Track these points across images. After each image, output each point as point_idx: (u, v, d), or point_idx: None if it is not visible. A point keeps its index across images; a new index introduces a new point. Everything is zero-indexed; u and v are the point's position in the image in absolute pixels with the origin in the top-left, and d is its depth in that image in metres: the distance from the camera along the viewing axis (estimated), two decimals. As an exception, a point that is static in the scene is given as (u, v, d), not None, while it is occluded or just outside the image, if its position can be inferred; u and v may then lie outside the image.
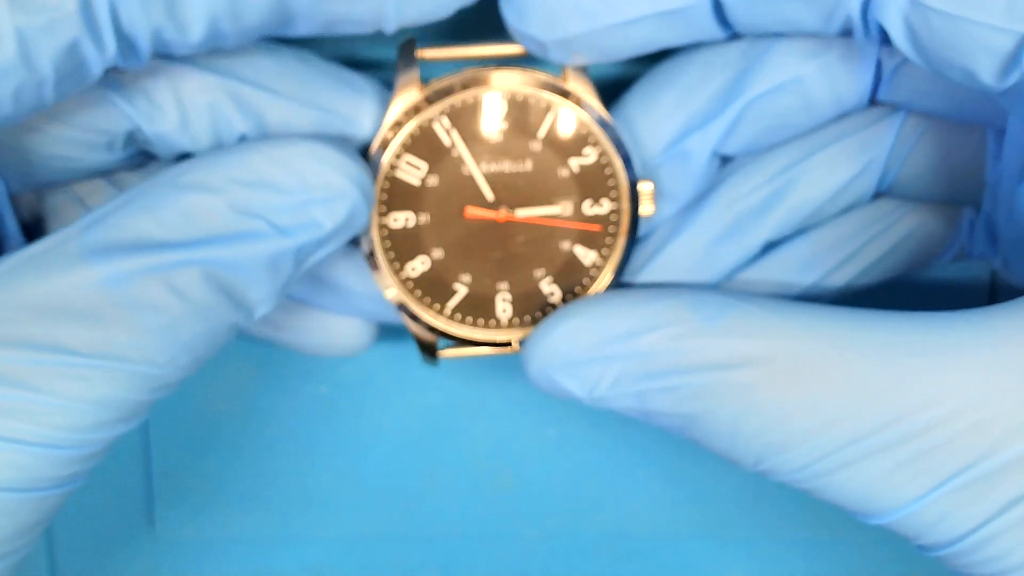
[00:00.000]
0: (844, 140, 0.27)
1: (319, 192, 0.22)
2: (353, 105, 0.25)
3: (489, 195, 0.25)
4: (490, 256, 0.25)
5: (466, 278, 0.25)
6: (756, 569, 0.36)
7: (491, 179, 0.25)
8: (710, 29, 0.24)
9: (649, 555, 0.35)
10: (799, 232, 0.28)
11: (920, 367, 0.21)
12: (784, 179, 0.27)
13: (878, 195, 0.28)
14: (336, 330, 0.28)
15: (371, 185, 0.23)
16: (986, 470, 0.21)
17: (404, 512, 0.35)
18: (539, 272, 0.25)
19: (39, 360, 0.20)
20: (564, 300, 0.26)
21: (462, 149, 0.24)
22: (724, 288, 0.25)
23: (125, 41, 0.21)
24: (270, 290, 0.23)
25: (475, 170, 0.25)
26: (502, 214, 0.25)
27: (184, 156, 0.25)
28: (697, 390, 0.22)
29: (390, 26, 0.22)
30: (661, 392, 0.23)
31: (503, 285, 0.25)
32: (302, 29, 0.22)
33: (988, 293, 0.32)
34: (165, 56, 0.23)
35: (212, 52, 0.23)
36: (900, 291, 0.29)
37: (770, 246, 0.28)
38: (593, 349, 0.23)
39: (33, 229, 0.27)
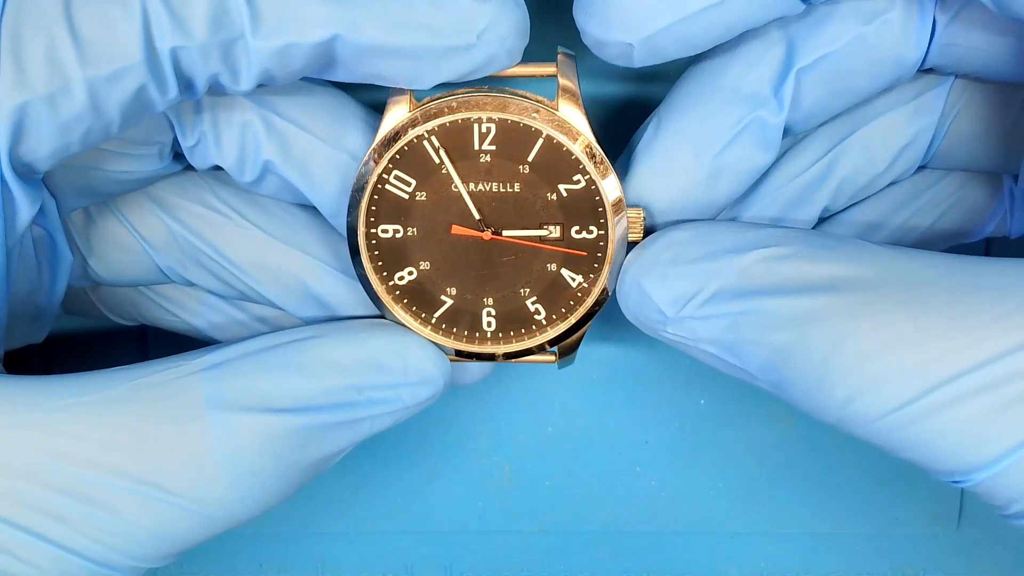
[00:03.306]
0: (896, 110, 0.26)
1: (415, 375, 0.24)
2: None
3: (475, 214, 0.25)
4: (475, 273, 0.25)
5: (452, 291, 0.25)
6: (753, 565, 0.36)
7: (478, 199, 0.25)
8: (792, 2, 0.23)
9: (647, 551, 0.35)
10: (850, 205, 0.27)
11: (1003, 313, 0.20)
12: (838, 151, 0.26)
13: (922, 166, 0.27)
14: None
15: (451, 373, 0.25)
16: None
17: (405, 508, 0.35)
18: (525, 291, 0.25)
19: (127, 488, 0.21)
20: (549, 319, 0.26)
21: (450, 168, 0.24)
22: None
23: (185, 83, 0.22)
24: (343, 450, 0.24)
25: (462, 189, 0.25)
26: (487, 234, 0.25)
27: (215, 168, 0.26)
28: (798, 314, 0.21)
29: (425, 84, 0.23)
30: (757, 315, 0.22)
31: (488, 301, 0.25)
32: (341, 77, 0.23)
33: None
34: (217, 94, 0.24)
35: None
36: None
37: (820, 220, 0.27)
38: (695, 262, 0.23)
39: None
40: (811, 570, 0.36)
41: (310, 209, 0.27)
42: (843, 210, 0.28)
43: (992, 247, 0.32)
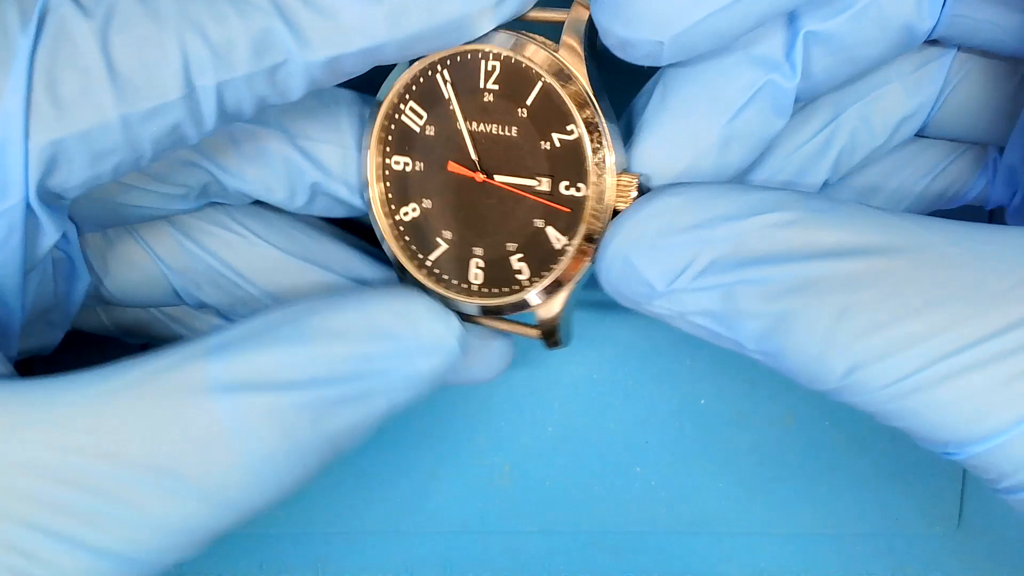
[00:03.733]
0: (897, 82, 0.26)
1: (427, 341, 0.23)
2: None
3: (472, 154, 0.24)
4: (466, 215, 0.25)
5: (447, 235, 0.25)
6: (753, 565, 0.36)
7: (477, 139, 0.24)
8: None
9: (646, 551, 0.35)
10: (848, 174, 0.27)
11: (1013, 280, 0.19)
12: (838, 123, 0.26)
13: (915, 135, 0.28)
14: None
15: (467, 342, 0.24)
16: None
17: (406, 508, 0.35)
18: (511, 245, 0.25)
19: (145, 479, 0.21)
20: (531, 280, 0.25)
21: (455, 103, 0.24)
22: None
23: (229, 113, 0.22)
24: (364, 432, 0.23)
25: (463, 127, 0.24)
26: (479, 176, 0.25)
27: (256, 203, 0.26)
28: (798, 281, 0.20)
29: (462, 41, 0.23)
30: (754, 284, 0.21)
31: (478, 250, 0.25)
32: (384, 63, 0.23)
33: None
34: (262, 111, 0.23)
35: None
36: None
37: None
38: (687, 231, 0.21)
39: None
40: (811, 570, 0.36)
41: (327, 225, 0.27)
42: (845, 175, 0.28)
43: (995, 217, 0.32)
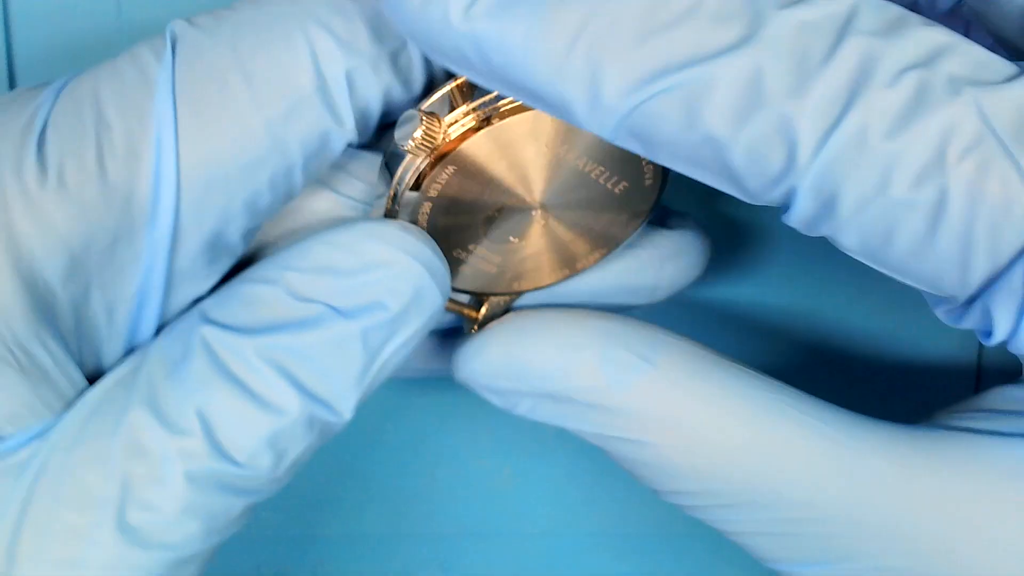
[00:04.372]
0: None
1: (380, 271, 0.22)
2: None
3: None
4: None
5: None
6: (753, 565, 0.36)
7: None
8: None
9: (647, 552, 0.35)
10: None
11: (815, 469, 0.22)
12: None
13: None
14: None
15: (440, 263, 0.23)
16: (853, 569, 0.22)
17: (404, 510, 0.35)
18: None
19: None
20: None
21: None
22: (646, 323, 0.25)
23: (360, 112, 0.22)
24: (346, 383, 0.22)
25: None
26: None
27: None
28: (601, 438, 0.24)
29: None
30: (572, 430, 0.24)
31: None
32: None
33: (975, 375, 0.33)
34: (387, 125, 0.23)
35: None
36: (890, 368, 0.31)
37: None
38: (509, 382, 0.24)
39: None
40: (811, 572, 0.36)
41: None
42: None
43: None
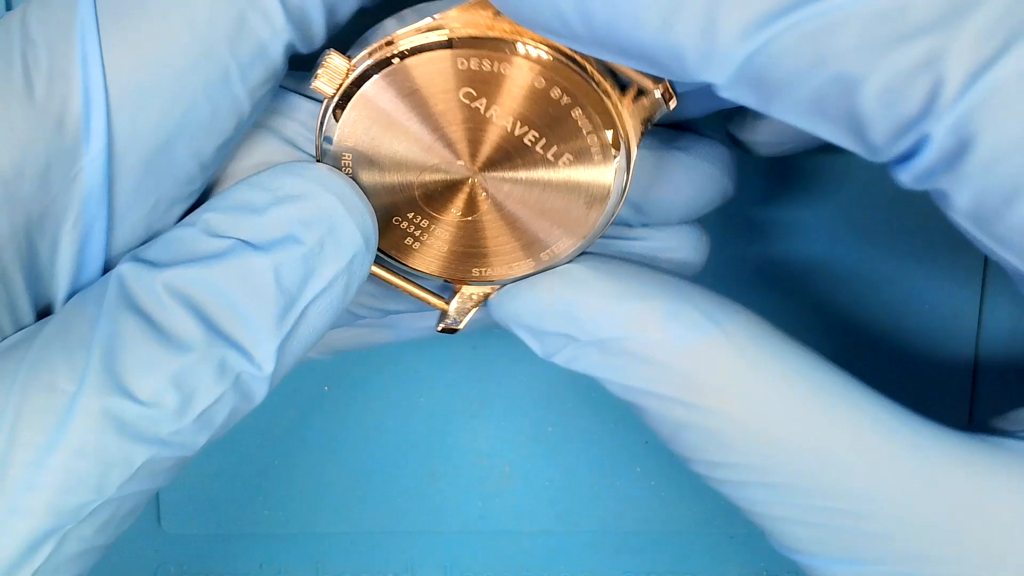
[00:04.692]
0: None
1: (291, 204, 0.21)
2: None
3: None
4: None
5: None
6: (753, 565, 0.36)
7: None
8: None
9: (647, 550, 0.35)
10: None
11: (872, 459, 0.21)
12: None
13: None
14: None
15: (358, 200, 0.22)
16: (891, 573, 0.21)
17: (405, 508, 0.35)
18: None
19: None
20: None
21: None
22: (708, 290, 0.24)
23: (296, 11, 0.20)
24: (261, 325, 0.21)
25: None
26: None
27: None
28: (646, 395, 0.22)
29: None
30: (612, 383, 0.23)
31: None
32: None
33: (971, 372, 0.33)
34: (335, 23, 0.22)
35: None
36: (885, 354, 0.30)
37: None
38: (556, 323, 0.23)
39: None
40: (811, 570, 0.36)
41: None
42: None
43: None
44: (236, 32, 0.20)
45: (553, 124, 0.21)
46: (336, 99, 0.21)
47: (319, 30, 0.21)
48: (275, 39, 0.20)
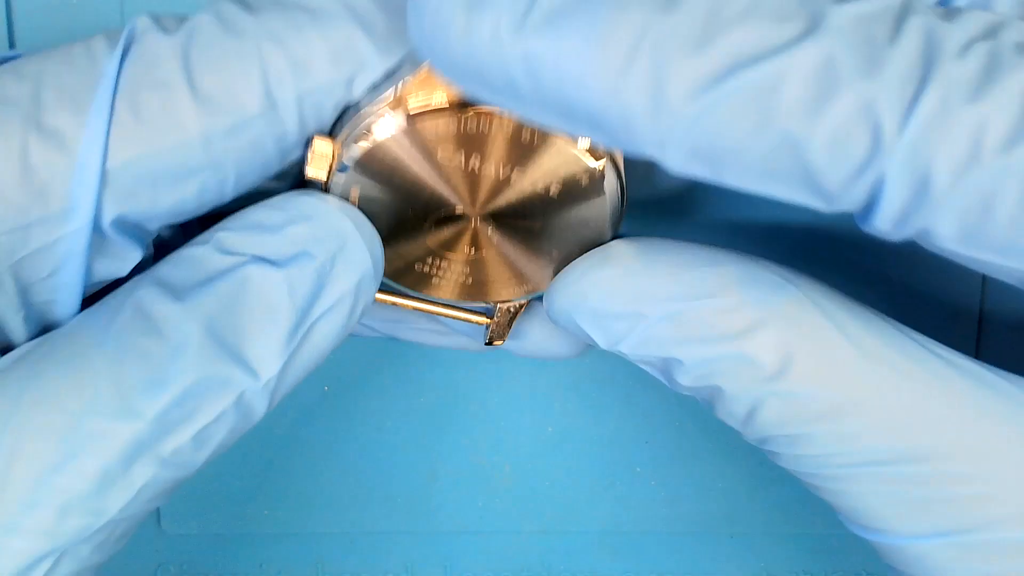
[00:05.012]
0: None
1: (305, 223, 0.22)
2: None
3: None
4: None
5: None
6: (754, 565, 0.36)
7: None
8: None
9: (647, 551, 0.35)
10: None
11: (964, 415, 0.20)
12: None
13: None
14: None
15: (369, 227, 0.23)
16: (990, 540, 0.20)
17: (405, 508, 0.35)
18: None
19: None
20: None
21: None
22: (769, 264, 0.23)
23: (307, 129, 0.22)
24: (268, 340, 0.21)
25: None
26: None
27: None
28: (725, 369, 0.21)
29: None
30: (688, 364, 0.22)
31: None
32: None
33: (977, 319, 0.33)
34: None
35: None
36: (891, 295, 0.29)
37: None
38: (625, 305, 0.22)
39: None
40: (811, 570, 0.36)
41: None
42: None
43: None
44: (247, 153, 0.21)
45: (535, 160, 0.22)
46: (329, 181, 0.23)
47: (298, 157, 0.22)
48: (280, 161, 0.22)
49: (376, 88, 0.22)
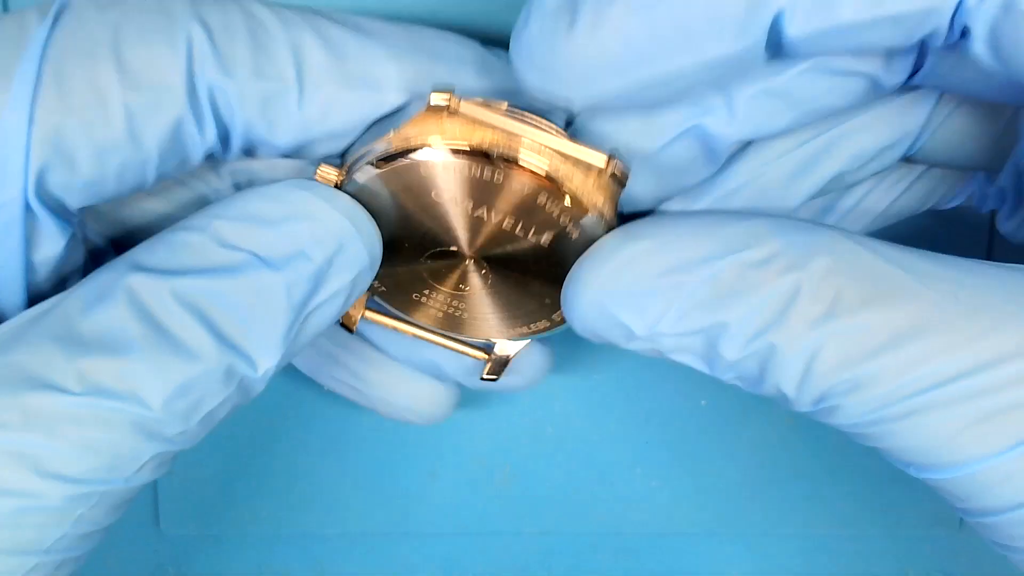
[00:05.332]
0: (879, 110, 0.24)
1: (305, 221, 0.22)
2: None
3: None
4: None
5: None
6: (754, 565, 0.36)
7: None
8: (760, 66, 0.21)
9: (647, 552, 0.35)
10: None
11: (1017, 316, 0.19)
12: (817, 146, 0.24)
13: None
14: (418, 393, 0.29)
15: (368, 223, 0.23)
16: None
17: (405, 509, 0.35)
18: None
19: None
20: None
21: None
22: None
23: (222, 128, 0.22)
24: (268, 337, 0.21)
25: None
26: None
27: None
28: (776, 318, 0.20)
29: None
30: (733, 326, 0.20)
31: None
32: None
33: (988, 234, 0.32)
34: (251, 155, 0.23)
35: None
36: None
37: None
38: (662, 276, 0.21)
39: None
40: (811, 571, 0.36)
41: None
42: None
43: (994, 248, 0.32)
44: (167, 131, 0.21)
45: (530, 215, 0.22)
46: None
47: (235, 150, 0.23)
48: (200, 147, 0.22)
49: (381, 122, 0.22)
